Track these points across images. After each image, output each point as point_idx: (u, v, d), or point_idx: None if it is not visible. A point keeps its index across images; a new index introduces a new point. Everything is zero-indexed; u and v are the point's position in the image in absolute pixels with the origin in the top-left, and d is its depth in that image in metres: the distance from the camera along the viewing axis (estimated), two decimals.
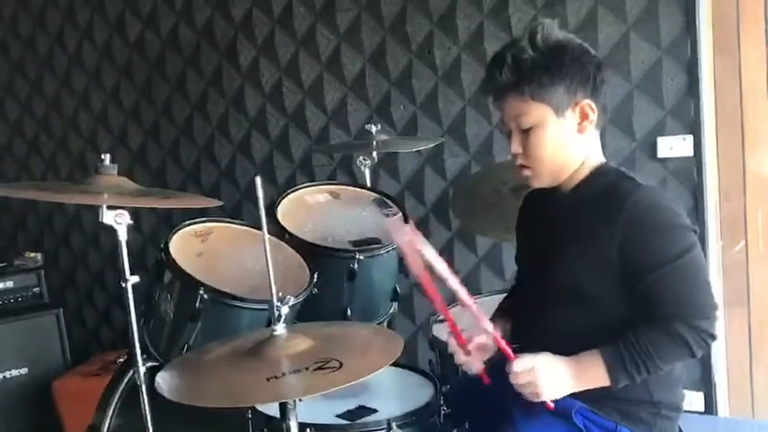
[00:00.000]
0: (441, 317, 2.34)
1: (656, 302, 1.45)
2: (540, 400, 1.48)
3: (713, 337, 1.45)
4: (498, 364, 1.57)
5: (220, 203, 2.13)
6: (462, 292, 1.52)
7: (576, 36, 1.57)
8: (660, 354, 1.44)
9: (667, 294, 1.44)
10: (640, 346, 1.44)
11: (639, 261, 1.45)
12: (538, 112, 1.52)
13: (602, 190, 1.52)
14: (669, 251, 1.44)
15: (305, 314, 2.01)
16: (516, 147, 1.57)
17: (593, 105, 1.53)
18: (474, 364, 1.62)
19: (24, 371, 3.33)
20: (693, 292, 1.46)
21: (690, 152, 2.65)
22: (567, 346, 1.50)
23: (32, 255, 3.58)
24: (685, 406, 2.70)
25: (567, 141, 1.55)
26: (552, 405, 1.49)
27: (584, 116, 1.53)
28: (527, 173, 1.60)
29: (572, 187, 1.59)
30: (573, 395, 1.51)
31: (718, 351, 2.71)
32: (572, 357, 1.49)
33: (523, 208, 1.79)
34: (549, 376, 1.47)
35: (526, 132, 1.55)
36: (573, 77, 1.50)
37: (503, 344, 1.53)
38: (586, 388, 1.48)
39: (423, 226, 3.09)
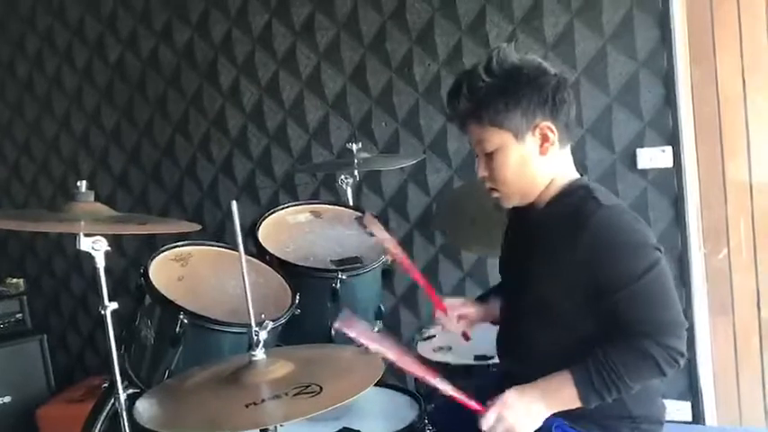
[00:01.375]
0: (426, 334, 2.35)
1: (623, 321, 1.45)
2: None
3: (682, 355, 1.44)
4: (482, 386, 1.60)
5: (198, 227, 2.11)
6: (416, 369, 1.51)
7: (554, 50, 1.58)
8: (629, 373, 1.44)
9: (634, 313, 1.44)
10: (609, 367, 1.44)
11: (604, 281, 1.46)
12: (498, 138, 1.54)
13: (568, 210, 1.53)
14: (632, 270, 1.44)
15: (288, 335, 2.00)
16: (482, 171, 1.59)
17: (553, 127, 1.53)
18: (451, 324, 1.78)
19: (7, 399, 3.29)
20: (660, 310, 1.45)
21: (669, 163, 2.67)
22: (543, 362, 1.52)
23: (14, 281, 3.55)
24: (673, 416, 2.75)
25: (530, 163, 1.55)
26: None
27: (544, 138, 1.54)
28: (496, 195, 1.62)
29: (543, 205, 1.60)
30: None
31: (703, 360, 2.72)
32: (542, 381, 1.49)
33: (507, 222, 1.81)
34: (519, 414, 1.46)
35: (490, 156, 1.56)
36: (530, 101, 1.51)
37: (468, 402, 1.51)
38: (560, 410, 1.49)
39: (407, 242, 3.09)
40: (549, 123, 1.52)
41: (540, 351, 1.56)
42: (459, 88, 1.54)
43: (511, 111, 1.51)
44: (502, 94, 1.51)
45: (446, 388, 1.50)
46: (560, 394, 1.47)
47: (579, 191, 1.55)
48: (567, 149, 1.60)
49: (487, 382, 1.82)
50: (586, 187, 1.56)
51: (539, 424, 1.49)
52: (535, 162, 1.55)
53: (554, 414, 1.50)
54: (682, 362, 1.44)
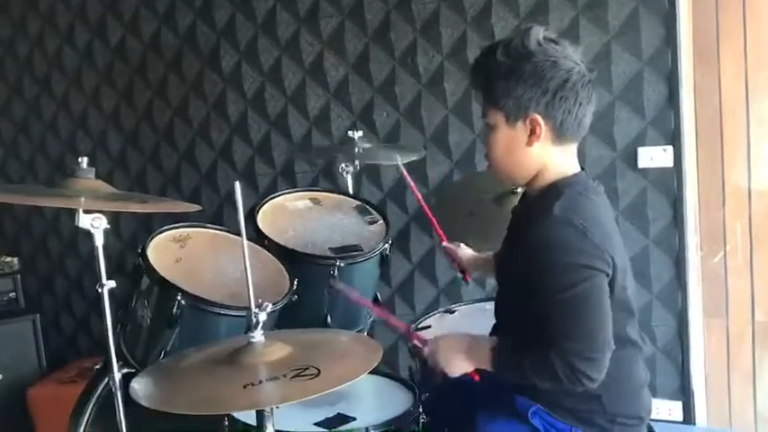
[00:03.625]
0: (422, 324, 2.35)
1: (540, 329, 1.47)
2: (450, 374, 1.61)
3: (588, 378, 1.43)
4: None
5: (199, 208, 2.10)
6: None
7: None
8: (534, 372, 1.49)
9: (547, 327, 1.46)
10: (519, 359, 1.50)
11: (529, 287, 1.49)
12: (494, 115, 1.57)
13: (535, 209, 1.56)
14: (551, 286, 1.45)
15: (284, 321, 1.99)
16: (484, 142, 1.66)
17: (542, 122, 1.51)
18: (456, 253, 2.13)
19: None
20: (572, 329, 1.44)
21: (670, 163, 2.67)
22: None
23: (8, 259, 3.53)
24: (664, 415, 2.75)
25: (515, 150, 1.56)
26: (477, 376, 1.62)
27: (532, 131, 1.53)
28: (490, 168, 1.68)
29: (534, 195, 1.62)
30: (530, 397, 1.57)
31: (696, 361, 2.73)
32: (472, 337, 1.64)
33: None
34: (444, 354, 1.63)
35: (488, 130, 1.60)
36: (526, 90, 1.50)
37: (416, 335, 1.78)
38: (479, 367, 1.59)
39: (404, 234, 3.09)
40: (539, 118, 1.51)
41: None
42: (479, 58, 1.58)
43: (508, 95, 1.52)
44: (505, 76, 1.51)
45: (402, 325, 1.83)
46: (478, 353, 1.58)
47: (553, 194, 1.54)
48: (568, 146, 1.58)
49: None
50: (561, 191, 1.54)
51: (461, 369, 1.61)
52: (520, 151, 1.56)
53: (531, 398, 1.58)
54: (588, 383, 1.43)
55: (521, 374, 1.51)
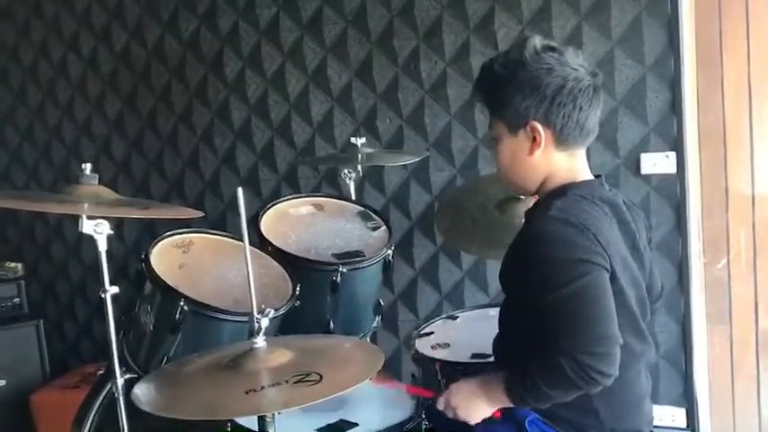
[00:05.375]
0: (424, 330, 2.35)
1: (543, 333, 1.45)
2: (472, 423, 1.59)
3: (600, 373, 1.40)
4: None
5: (201, 214, 2.11)
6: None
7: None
8: (548, 385, 1.45)
9: (550, 326, 1.44)
10: (530, 378, 1.47)
11: (528, 290, 1.48)
12: (497, 126, 1.59)
13: (529, 217, 1.58)
14: (549, 283, 1.44)
15: (287, 327, 1.99)
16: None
17: (541, 129, 1.52)
18: None
19: (2, 383, 3.28)
20: (576, 325, 1.42)
21: (673, 169, 2.67)
22: (509, 361, 1.60)
23: (12, 265, 3.54)
24: (667, 422, 2.75)
25: (519, 159, 1.57)
26: (498, 413, 1.58)
27: (533, 138, 1.54)
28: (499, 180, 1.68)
29: (537, 204, 1.62)
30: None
31: (700, 367, 2.73)
32: (483, 377, 1.60)
33: None
34: (461, 402, 1.60)
35: (494, 141, 1.62)
36: (524, 98, 1.51)
37: (418, 390, 1.80)
38: (500, 406, 1.56)
39: (407, 240, 3.09)
40: (538, 125, 1.52)
41: (510, 354, 1.62)
42: (479, 72, 1.60)
43: (507, 104, 1.53)
44: (503, 85, 1.53)
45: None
46: (495, 392, 1.55)
47: (552, 197, 1.55)
48: (573, 152, 1.58)
49: None
50: (561, 194, 1.54)
51: (482, 414, 1.58)
52: (523, 159, 1.57)
53: (529, 409, 1.56)
54: (602, 379, 1.41)
55: (537, 394, 1.46)
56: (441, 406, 1.63)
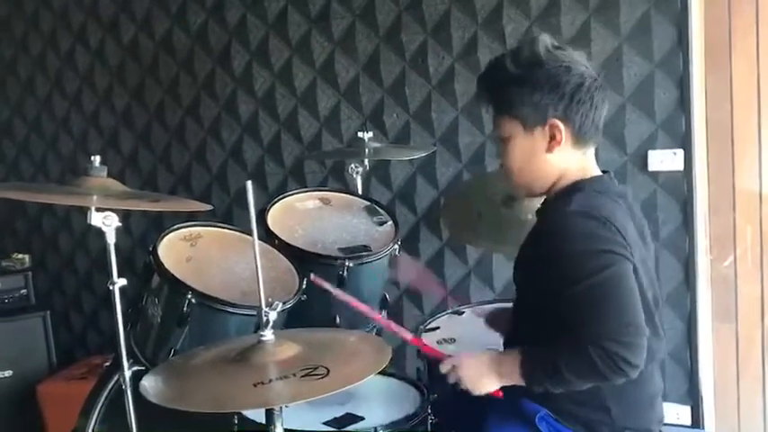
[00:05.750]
0: (430, 325, 2.36)
1: (571, 323, 1.46)
2: (475, 393, 1.58)
3: (628, 363, 1.40)
4: None
5: (210, 207, 2.11)
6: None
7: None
8: (570, 370, 1.45)
9: (577, 315, 1.45)
10: (551, 360, 1.46)
11: (553, 282, 1.48)
12: (509, 126, 1.57)
13: (547, 212, 1.58)
14: (576, 274, 1.44)
15: (293, 321, 2.00)
16: (498, 155, 1.64)
17: (562, 127, 1.53)
18: None
19: (9, 373, 3.30)
20: (603, 314, 1.43)
21: (680, 166, 2.66)
22: None
23: (20, 256, 3.56)
24: (672, 419, 2.75)
25: (535, 158, 1.57)
26: (500, 393, 1.58)
27: (552, 136, 1.54)
28: (507, 181, 1.66)
29: (550, 201, 1.62)
30: (538, 402, 1.56)
31: (705, 365, 2.72)
32: (498, 353, 1.61)
33: None
34: (470, 372, 1.59)
35: (503, 143, 1.60)
36: (543, 96, 1.51)
37: (430, 349, 1.73)
38: (508, 383, 1.55)
39: (413, 235, 3.09)
40: (559, 122, 1.52)
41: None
42: (486, 72, 1.59)
43: (524, 103, 1.53)
44: (519, 84, 1.52)
45: (407, 335, 1.74)
46: (508, 370, 1.54)
47: (569, 192, 1.55)
48: (585, 150, 1.59)
49: None
50: (578, 189, 1.55)
51: (488, 388, 1.57)
52: (540, 157, 1.57)
53: (539, 403, 1.56)
54: (629, 369, 1.41)
55: (556, 378, 1.46)
56: (445, 369, 1.62)
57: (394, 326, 1.76)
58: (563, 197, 1.55)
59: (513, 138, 1.57)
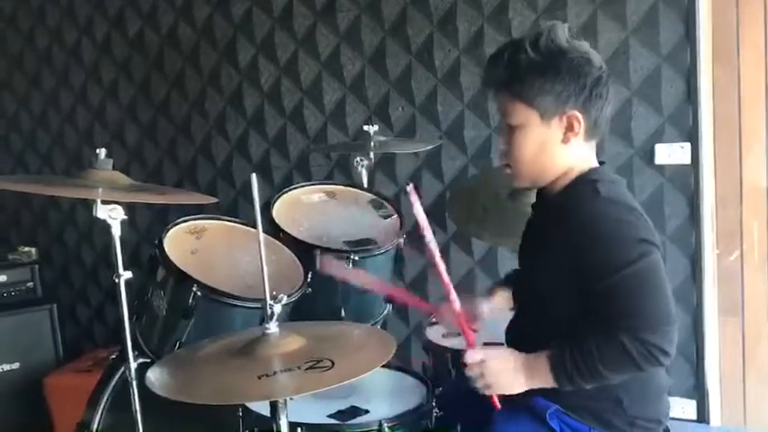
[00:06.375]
0: (434, 319, 2.35)
1: (603, 313, 1.44)
2: (490, 393, 1.54)
3: (663, 352, 1.40)
4: None
5: (215, 200, 2.12)
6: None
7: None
8: (605, 364, 1.43)
9: (613, 306, 1.43)
10: (584, 355, 1.44)
11: (586, 271, 1.46)
12: (524, 114, 1.52)
13: (568, 201, 1.53)
14: (612, 263, 1.42)
15: (298, 314, 2.00)
16: (502, 143, 1.60)
17: (581, 118, 1.51)
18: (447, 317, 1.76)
19: (16, 366, 3.31)
20: (640, 304, 1.41)
21: (687, 160, 2.65)
22: (534, 351, 1.53)
23: (27, 249, 3.56)
24: (678, 413, 2.74)
25: (548, 148, 1.54)
26: (498, 405, 1.55)
27: (569, 127, 1.52)
28: (508, 171, 1.61)
29: (555, 193, 1.59)
30: (548, 398, 1.54)
31: (711, 359, 2.72)
32: (527, 355, 1.52)
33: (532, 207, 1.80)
34: (498, 371, 1.53)
35: (513, 130, 1.55)
36: (565, 87, 1.49)
37: (466, 328, 1.62)
38: (537, 386, 1.51)
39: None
40: (578, 114, 1.51)
41: (535, 339, 1.56)
42: (501, 56, 1.53)
43: (545, 92, 1.49)
44: (541, 72, 1.49)
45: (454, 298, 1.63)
46: (538, 372, 1.50)
47: (586, 182, 1.54)
48: (592, 144, 1.58)
49: None
50: (594, 179, 1.53)
51: (511, 391, 1.52)
52: (554, 148, 1.54)
53: (550, 399, 1.53)
54: (664, 359, 1.40)
55: (590, 373, 1.44)
56: (470, 360, 1.53)
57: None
58: (585, 185, 1.53)
59: (527, 126, 1.53)
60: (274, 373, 1.36)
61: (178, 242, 2.04)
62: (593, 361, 1.43)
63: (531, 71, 1.49)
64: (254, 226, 1.52)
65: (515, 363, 1.52)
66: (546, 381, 1.49)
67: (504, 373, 1.52)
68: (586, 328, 1.46)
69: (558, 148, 1.54)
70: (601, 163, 1.62)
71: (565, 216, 1.50)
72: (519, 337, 1.67)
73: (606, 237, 1.44)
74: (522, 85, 1.51)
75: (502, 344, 1.89)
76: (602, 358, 1.43)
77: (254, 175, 1.47)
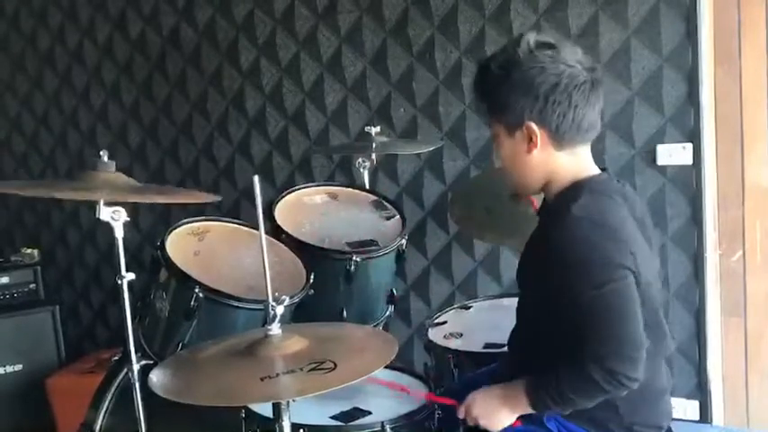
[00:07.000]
0: (437, 320, 2.35)
1: (573, 338, 1.45)
2: (495, 430, 1.59)
3: (629, 378, 1.41)
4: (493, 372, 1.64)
5: (219, 198, 2.12)
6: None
7: (577, 42, 1.57)
8: (574, 391, 1.46)
9: (580, 331, 1.44)
10: (556, 383, 1.48)
11: (555, 293, 1.47)
12: (495, 127, 1.58)
13: (551, 213, 1.56)
14: (575, 288, 1.43)
15: (301, 315, 2.00)
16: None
17: (536, 129, 1.50)
18: None
19: (19, 367, 3.32)
20: (605, 330, 1.42)
21: (689, 160, 2.65)
22: (530, 360, 1.59)
23: (29, 251, 3.57)
24: (680, 414, 2.74)
25: (518, 159, 1.56)
26: (518, 422, 1.59)
27: (529, 138, 1.52)
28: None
29: (550, 203, 1.61)
30: None
31: (713, 360, 2.72)
32: (504, 385, 1.60)
33: None
34: (484, 410, 1.59)
35: (494, 141, 1.62)
36: (518, 99, 1.50)
37: (441, 400, 1.74)
38: (521, 413, 1.56)
39: (421, 229, 3.09)
40: (533, 125, 1.50)
41: (534, 350, 1.60)
42: (477, 71, 1.59)
43: (504, 105, 1.52)
44: (498, 87, 1.52)
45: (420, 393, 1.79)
46: (517, 400, 1.55)
47: (567, 195, 1.53)
48: (575, 150, 1.55)
49: (497, 368, 1.84)
50: (576, 192, 1.52)
51: (505, 422, 1.58)
52: (523, 159, 1.55)
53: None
54: (630, 384, 1.42)
55: (564, 403, 1.48)
56: (462, 415, 1.63)
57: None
58: (563, 200, 1.52)
59: (499, 138, 1.58)
60: (277, 374, 1.37)
61: (180, 244, 2.05)
62: (564, 389, 1.47)
63: (492, 86, 1.53)
64: (257, 227, 1.53)
65: (495, 399, 1.59)
66: (525, 408, 1.54)
67: (489, 410, 1.59)
68: (560, 349, 1.47)
69: (526, 158, 1.55)
70: (603, 169, 1.61)
71: (542, 233, 1.55)
72: (519, 347, 1.71)
73: (571, 262, 1.44)
74: (486, 100, 1.57)
75: (503, 345, 1.90)
76: (571, 386, 1.46)
77: (256, 177, 1.48)
